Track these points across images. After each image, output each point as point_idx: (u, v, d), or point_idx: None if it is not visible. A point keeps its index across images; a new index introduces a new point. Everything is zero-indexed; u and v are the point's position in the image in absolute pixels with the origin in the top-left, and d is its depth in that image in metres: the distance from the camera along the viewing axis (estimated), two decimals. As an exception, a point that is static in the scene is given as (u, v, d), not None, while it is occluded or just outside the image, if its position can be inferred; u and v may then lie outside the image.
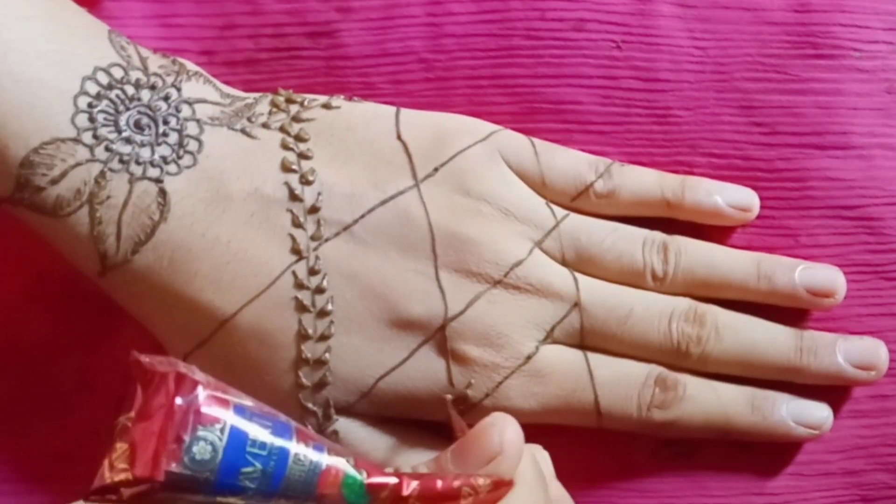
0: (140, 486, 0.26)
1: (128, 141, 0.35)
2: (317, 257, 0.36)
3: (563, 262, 0.38)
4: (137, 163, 0.35)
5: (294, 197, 0.36)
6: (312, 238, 0.36)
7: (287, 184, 0.36)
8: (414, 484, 0.29)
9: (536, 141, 0.39)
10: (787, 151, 0.40)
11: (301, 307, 0.36)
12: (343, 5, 0.40)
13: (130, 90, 0.35)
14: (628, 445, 0.39)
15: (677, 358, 0.38)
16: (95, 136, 0.35)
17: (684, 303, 0.38)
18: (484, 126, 0.39)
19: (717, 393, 0.38)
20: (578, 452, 0.37)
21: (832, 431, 0.39)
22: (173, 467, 0.25)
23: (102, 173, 0.35)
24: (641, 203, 0.39)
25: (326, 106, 0.38)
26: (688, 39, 0.40)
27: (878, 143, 0.40)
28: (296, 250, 0.36)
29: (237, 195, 0.36)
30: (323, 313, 0.36)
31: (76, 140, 0.34)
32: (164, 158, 0.35)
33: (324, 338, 0.36)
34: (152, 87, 0.36)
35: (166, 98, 0.36)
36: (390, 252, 0.36)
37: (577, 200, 0.38)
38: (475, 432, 0.31)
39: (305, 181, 0.36)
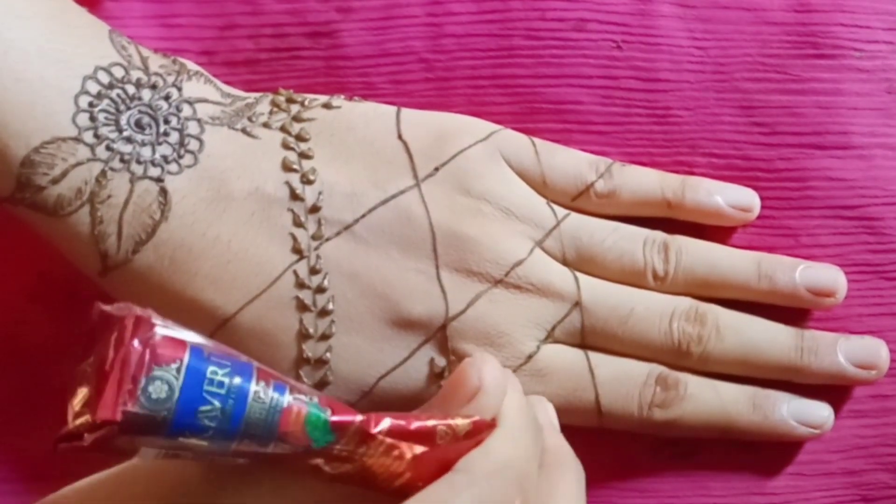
0: (101, 429, 0.25)
1: (129, 140, 0.35)
2: (318, 256, 0.36)
3: (564, 262, 0.38)
4: (138, 162, 0.35)
5: (295, 196, 0.36)
6: (313, 237, 0.36)
7: (288, 183, 0.36)
8: (384, 422, 0.28)
9: (537, 140, 0.39)
10: (787, 151, 0.40)
11: (302, 306, 0.36)
12: (343, 5, 0.40)
13: (131, 89, 0.35)
14: (628, 445, 0.39)
15: (678, 357, 0.38)
16: (96, 136, 0.34)
17: (685, 302, 0.38)
18: (484, 126, 0.39)
19: (718, 392, 0.38)
20: (578, 452, 0.36)
21: (832, 431, 0.39)
22: (130, 407, 0.25)
23: (103, 172, 0.35)
24: (642, 203, 0.39)
25: (327, 106, 0.38)
26: (688, 39, 0.40)
27: (878, 143, 0.40)
28: (297, 249, 0.36)
29: (238, 194, 0.36)
30: (324, 312, 0.36)
31: (77, 139, 0.34)
32: (165, 158, 0.35)
33: (325, 337, 0.36)
34: (153, 87, 0.36)
35: (167, 97, 0.36)
36: (391, 251, 0.36)
37: (578, 200, 0.38)
38: (455, 373, 0.31)
39: (306, 180, 0.36)
